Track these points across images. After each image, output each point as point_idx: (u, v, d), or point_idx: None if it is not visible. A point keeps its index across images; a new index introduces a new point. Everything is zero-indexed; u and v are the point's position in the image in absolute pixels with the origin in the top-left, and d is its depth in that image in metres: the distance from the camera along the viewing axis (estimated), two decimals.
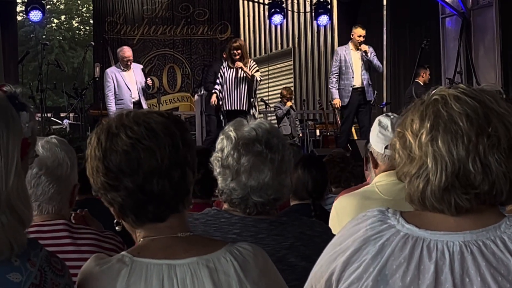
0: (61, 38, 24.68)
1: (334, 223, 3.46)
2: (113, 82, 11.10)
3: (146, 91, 11.72)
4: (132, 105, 10.85)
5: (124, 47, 11.67)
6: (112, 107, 11.07)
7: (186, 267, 1.83)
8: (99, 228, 3.33)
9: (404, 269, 1.70)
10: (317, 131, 13.61)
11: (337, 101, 11.14)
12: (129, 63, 11.23)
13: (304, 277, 1.98)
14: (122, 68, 11.14)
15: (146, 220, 1.87)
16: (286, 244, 2.44)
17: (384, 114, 3.29)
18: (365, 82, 11.05)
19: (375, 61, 11.26)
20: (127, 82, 11.09)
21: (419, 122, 1.71)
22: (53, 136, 2.98)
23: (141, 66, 11.80)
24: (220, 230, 2.38)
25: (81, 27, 25.76)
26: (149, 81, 11.74)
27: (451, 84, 12.62)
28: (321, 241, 2.34)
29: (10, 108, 1.64)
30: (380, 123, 3.30)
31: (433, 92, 1.73)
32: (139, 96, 11.23)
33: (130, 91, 11.16)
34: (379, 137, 3.30)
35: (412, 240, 1.72)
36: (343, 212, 3.48)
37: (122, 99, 10.98)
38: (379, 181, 3.36)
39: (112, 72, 11.20)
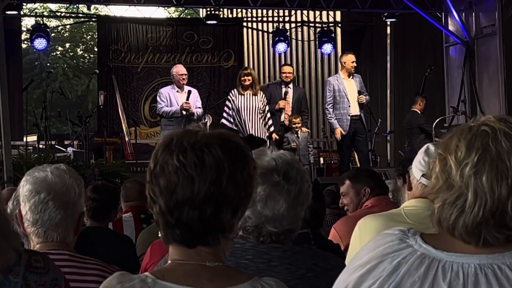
0: (65, 66, 25.07)
1: (356, 240, 3.59)
2: (167, 101, 11.00)
3: (198, 118, 11.59)
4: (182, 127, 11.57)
5: (177, 65, 11.64)
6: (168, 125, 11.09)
7: None
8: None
9: (418, 287, 1.78)
10: (321, 159, 13.74)
11: (338, 131, 11.07)
12: (184, 80, 11.05)
13: None
14: (177, 88, 11.07)
15: (173, 241, 1.90)
16: (298, 274, 2.45)
17: (435, 142, 3.28)
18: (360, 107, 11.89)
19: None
20: (179, 104, 11.05)
21: (465, 150, 1.72)
22: (62, 164, 3.07)
23: (196, 91, 11.53)
24: (233, 255, 2.37)
25: (86, 55, 26.42)
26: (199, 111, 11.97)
27: (455, 112, 12.44)
28: (334, 274, 2.28)
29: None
30: (427, 149, 3.34)
31: (481, 121, 1.75)
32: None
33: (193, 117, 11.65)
34: (420, 163, 3.37)
35: (428, 260, 1.76)
36: (366, 231, 3.54)
37: (172, 121, 10.80)
38: (407, 206, 3.48)
39: (167, 91, 11.12)
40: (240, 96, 11.00)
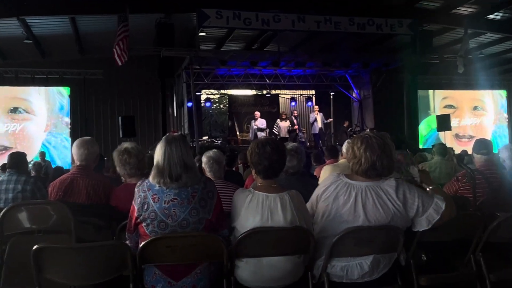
0: (216, 111, 33.23)
1: (322, 175, 4.63)
2: (253, 125, 15.11)
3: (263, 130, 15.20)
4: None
5: (257, 111, 16.84)
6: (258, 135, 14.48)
7: (272, 197, 2.63)
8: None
9: (344, 193, 2.64)
10: (308, 143, 17.80)
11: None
12: (258, 115, 16.26)
13: (307, 199, 2.70)
14: (256, 120, 15.53)
15: (265, 177, 2.72)
16: (305, 188, 3.34)
17: (348, 141, 4.00)
18: (322, 125, 15.76)
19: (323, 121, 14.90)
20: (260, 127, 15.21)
21: (359, 144, 2.60)
22: (215, 149, 4.12)
23: (264, 120, 16.28)
24: (280, 182, 3.12)
25: (224, 108, 34.07)
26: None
27: (356, 128, 16.85)
28: (314, 188, 3.01)
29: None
30: (347, 142, 4.21)
31: (366, 132, 2.60)
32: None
33: (263, 131, 14.92)
34: (345, 147, 4.71)
35: (347, 184, 2.65)
36: (325, 172, 4.74)
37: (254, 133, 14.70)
38: (341, 162, 4.90)
39: (252, 121, 16.24)
40: (280, 121, 15.59)
